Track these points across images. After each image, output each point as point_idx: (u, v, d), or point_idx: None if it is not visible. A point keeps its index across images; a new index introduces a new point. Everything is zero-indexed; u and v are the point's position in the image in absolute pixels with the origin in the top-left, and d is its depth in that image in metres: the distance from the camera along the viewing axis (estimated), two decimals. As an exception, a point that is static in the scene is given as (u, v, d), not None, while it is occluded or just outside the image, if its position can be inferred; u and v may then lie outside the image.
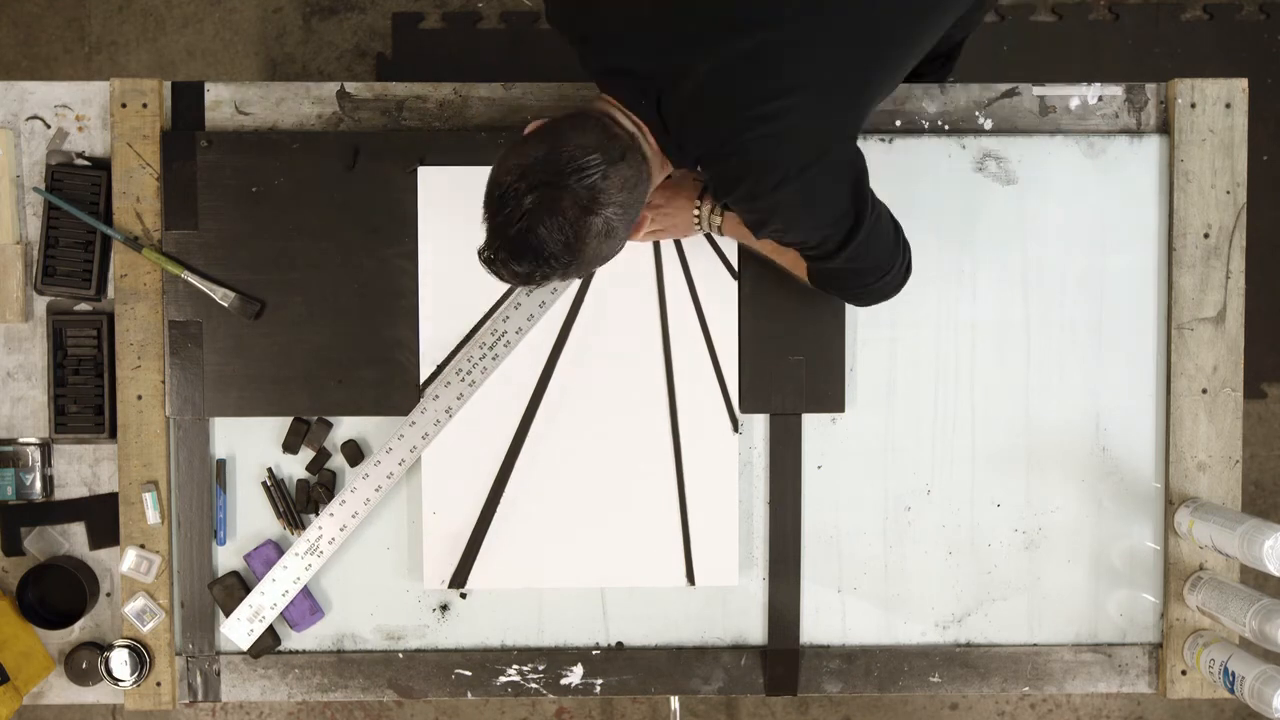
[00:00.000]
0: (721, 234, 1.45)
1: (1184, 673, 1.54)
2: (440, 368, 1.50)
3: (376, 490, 1.49)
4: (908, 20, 1.24)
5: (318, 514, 1.51)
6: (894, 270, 1.33)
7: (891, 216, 1.31)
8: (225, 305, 1.49)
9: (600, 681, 1.55)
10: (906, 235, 1.33)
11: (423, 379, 1.50)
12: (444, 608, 1.55)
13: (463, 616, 1.55)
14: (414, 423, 1.49)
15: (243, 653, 1.53)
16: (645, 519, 1.52)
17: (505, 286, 1.50)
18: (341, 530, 1.49)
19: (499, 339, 1.49)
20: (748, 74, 1.17)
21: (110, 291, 1.52)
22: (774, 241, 1.35)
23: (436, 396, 1.49)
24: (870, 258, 1.30)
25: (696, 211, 1.43)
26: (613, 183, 1.17)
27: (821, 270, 1.34)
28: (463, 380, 1.49)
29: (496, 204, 1.17)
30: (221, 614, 1.52)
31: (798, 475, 1.54)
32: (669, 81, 1.19)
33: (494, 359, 1.49)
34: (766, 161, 1.19)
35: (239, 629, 1.50)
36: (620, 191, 1.18)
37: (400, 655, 1.54)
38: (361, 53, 2.36)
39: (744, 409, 1.52)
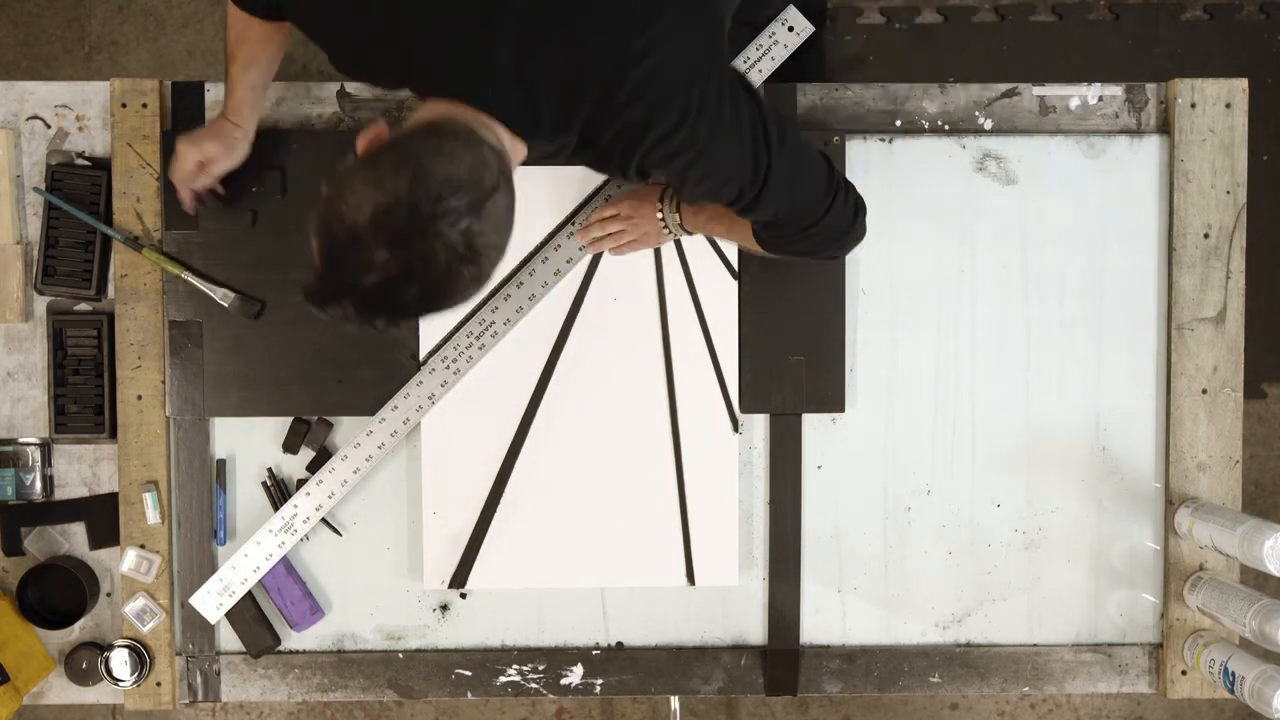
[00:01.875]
0: (685, 230, 1.45)
1: (1184, 673, 1.54)
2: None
3: (354, 473, 1.49)
4: None
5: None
6: (835, 208, 1.24)
7: (822, 153, 1.25)
8: (225, 305, 1.49)
9: (600, 681, 1.55)
10: (863, 197, 1.30)
11: (423, 379, 1.50)
12: (444, 608, 1.55)
13: (463, 616, 1.55)
14: (396, 406, 1.49)
15: (243, 653, 1.53)
16: (645, 519, 1.52)
17: (502, 278, 1.50)
18: (317, 510, 1.49)
19: (486, 329, 1.48)
20: (605, 20, 1.07)
21: (110, 291, 1.52)
22: (710, 207, 1.30)
23: (420, 383, 1.48)
24: (803, 194, 1.22)
25: (660, 215, 1.43)
26: (488, 223, 0.99)
27: (764, 228, 1.28)
28: (448, 368, 1.49)
29: (343, 248, 0.98)
30: (225, 619, 1.52)
31: (798, 475, 1.54)
32: (524, 57, 1.06)
33: (480, 349, 1.49)
34: (663, 94, 1.09)
35: (208, 602, 1.50)
36: (494, 232, 1.01)
37: (400, 655, 1.54)
38: (361, 53, 2.36)
39: (744, 409, 1.52)
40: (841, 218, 1.26)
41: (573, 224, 1.49)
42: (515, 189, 1.04)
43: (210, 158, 1.41)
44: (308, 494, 1.49)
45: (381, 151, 1.01)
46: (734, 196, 1.19)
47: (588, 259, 1.50)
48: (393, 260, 0.96)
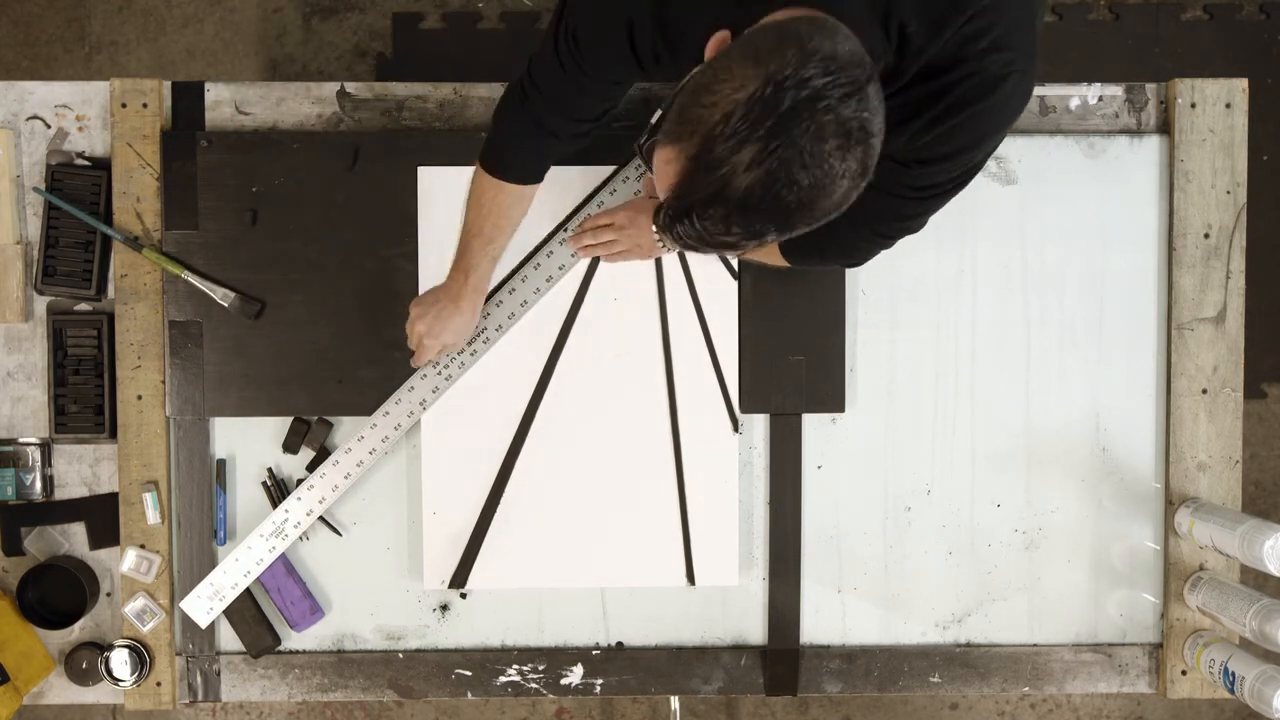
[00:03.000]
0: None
1: (1184, 673, 1.54)
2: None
3: (345, 478, 1.49)
4: None
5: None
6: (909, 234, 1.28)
7: None
8: (225, 305, 1.49)
9: (600, 681, 1.55)
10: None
11: (423, 379, 1.50)
12: (444, 608, 1.55)
13: (463, 616, 1.55)
14: (387, 412, 1.49)
15: (243, 653, 1.53)
16: (645, 519, 1.51)
17: (502, 278, 1.50)
18: (308, 515, 1.49)
19: (479, 335, 1.48)
20: None
21: (110, 291, 1.52)
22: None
23: (412, 388, 1.48)
24: (930, 213, 1.24)
25: (656, 229, 1.42)
26: (871, 105, 0.89)
27: (868, 226, 1.24)
28: (440, 374, 1.49)
29: (713, 139, 0.88)
30: (222, 614, 1.52)
31: (798, 475, 1.54)
32: None
33: (472, 355, 1.48)
34: (1013, 43, 1.04)
35: (199, 606, 1.50)
36: (876, 117, 0.90)
37: (400, 655, 1.54)
38: (361, 53, 2.36)
39: (744, 409, 1.52)
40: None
41: (565, 230, 1.49)
42: None
43: (448, 347, 1.44)
44: (299, 499, 1.49)
45: (754, 34, 0.91)
46: (951, 178, 1.16)
47: (585, 263, 1.50)
48: (780, 147, 0.86)
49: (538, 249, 1.50)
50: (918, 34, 1.02)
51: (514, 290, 1.49)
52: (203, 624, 1.50)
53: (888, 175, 1.14)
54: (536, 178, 1.35)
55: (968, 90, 1.06)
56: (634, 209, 1.45)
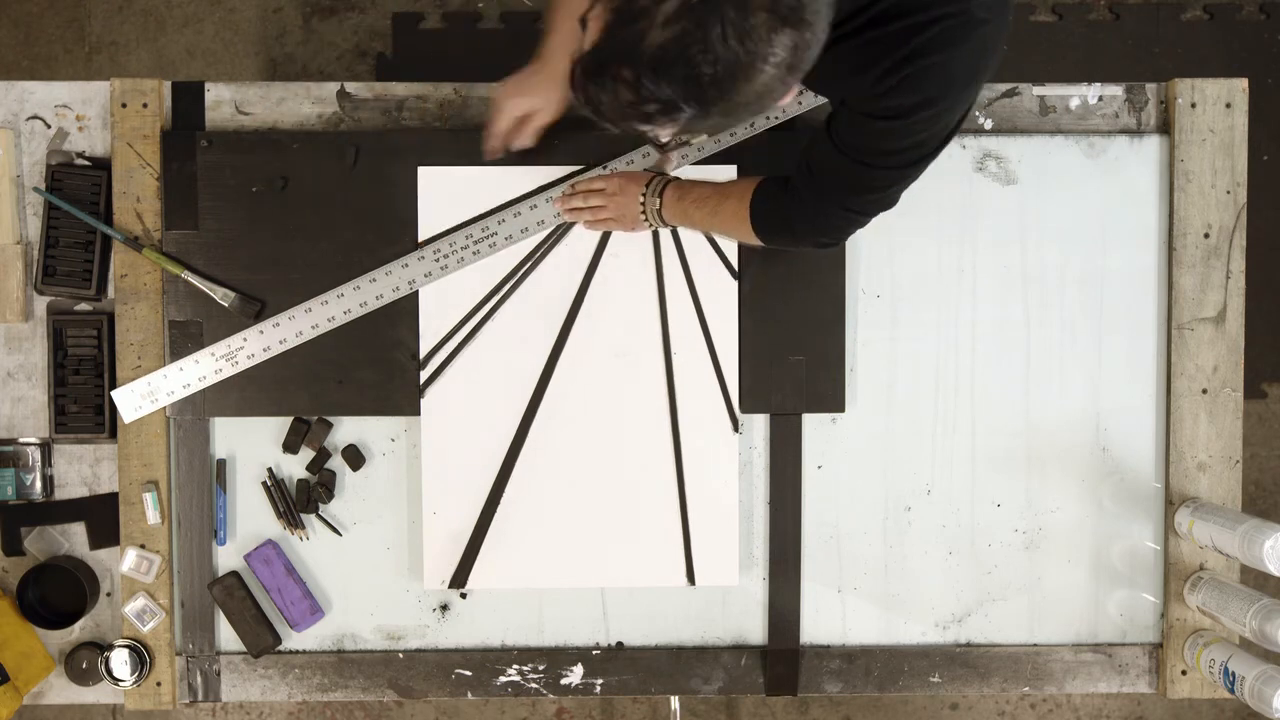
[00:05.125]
0: (662, 221, 1.45)
1: (1184, 673, 1.54)
2: (437, 362, 1.50)
3: (313, 328, 1.48)
4: None
5: (307, 506, 1.52)
6: (882, 212, 1.21)
7: None
8: (225, 305, 1.49)
9: (600, 681, 1.55)
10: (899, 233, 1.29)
11: (423, 379, 1.50)
12: (444, 608, 1.55)
13: (463, 616, 1.55)
14: (374, 279, 1.49)
15: (243, 653, 1.53)
16: (645, 519, 1.51)
17: (502, 278, 1.50)
18: (265, 350, 1.48)
19: (486, 236, 1.47)
20: None
21: (110, 291, 1.52)
22: (694, 194, 1.27)
23: (406, 265, 1.48)
24: (903, 186, 1.17)
25: (642, 199, 1.43)
26: (811, 3, 0.86)
27: (840, 193, 1.19)
28: (436, 262, 1.48)
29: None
30: (221, 614, 1.52)
31: (798, 475, 1.54)
32: None
33: (474, 255, 1.48)
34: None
35: (129, 401, 1.49)
36: (818, 13, 0.86)
37: (400, 655, 1.54)
38: (361, 53, 2.36)
39: (744, 409, 1.52)
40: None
41: (554, 190, 1.49)
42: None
43: (534, 110, 1.35)
44: (261, 332, 1.48)
45: None
46: (919, 142, 1.10)
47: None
48: (702, 2, 0.81)
49: (520, 199, 1.49)
50: None
51: (487, 229, 1.49)
52: (127, 418, 1.49)
53: (851, 137, 1.13)
54: None
55: (942, 32, 1.00)
56: (626, 177, 1.45)
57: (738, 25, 0.82)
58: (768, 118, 1.47)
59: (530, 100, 1.38)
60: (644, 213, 1.44)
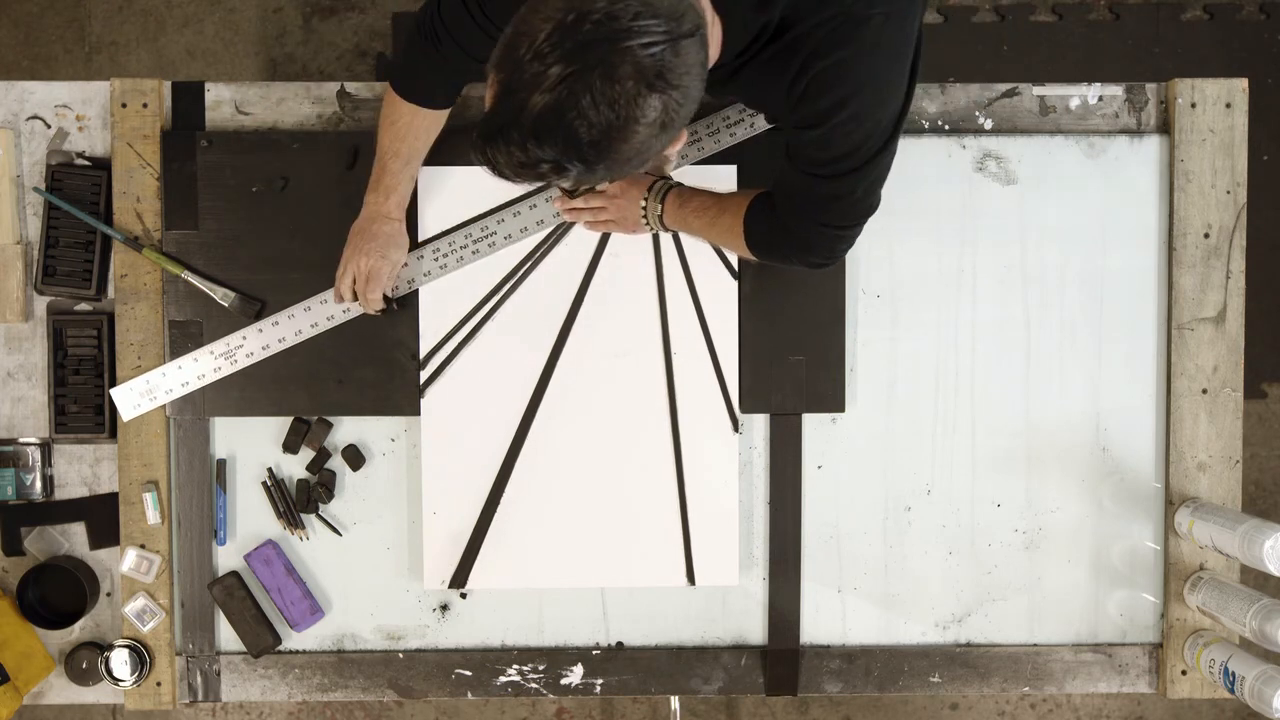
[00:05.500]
0: (663, 226, 1.45)
1: (1184, 673, 1.54)
2: (437, 362, 1.50)
3: (312, 326, 1.49)
4: None
5: (307, 506, 1.52)
6: (863, 221, 1.24)
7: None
8: (225, 305, 1.49)
9: (600, 681, 1.55)
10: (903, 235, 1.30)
11: (423, 379, 1.50)
12: (444, 608, 1.55)
13: (463, 616, 1.55)
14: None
15: (243, 653, 1.53)
16: (645, 519, 1.51)
17: (502, 278, 1.50)
18: (264, 349, 1.49)
19: (486, 236, 1.48)
20: None
21: (110, 291, 1.52)
22: (696, 201, 1.32)
23: (405, 265, 1.48)
24: (868, 190, 1.19)
25: (644, 204, 1.43)
26: (682, 60, 0.93)
27: (808, 208, 1.22)
28: (435, 261, 1.48)
29: (519, 63, 0.91)
30: (221, 614, 1.52)
31: (798, 475, 1.54)
32: None
33: (474, 254, 1.48)
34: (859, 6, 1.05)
35: (128, 399, 1.49)
36: (687, 76, 0.94)
37: (400, 655, 1.54)
38: (361, 53, 2.36)
39: (744, 409, 1.52)
40: (858, 230, 1.25)
41: (554, 190, 1.48)
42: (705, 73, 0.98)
43: (373, 270, 1.41)
44: (260, 330, 1.49)
45: None
46: (856, 145, 1.13)
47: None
48: (574, 74, 0.89)
49: (521, 199, 1.49)
50: None
51: (486, 229, 1.49)
52: (126, 416, 1.49)
53: (796, 153, 1.17)
54: (450, 104, 1.36)
55: (826, 35, 1.05)
56: (628, 180, 1.45)
57: (605, 94, 0.91)
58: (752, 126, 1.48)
59: (391, 257, 1.42)
60: (645, 216, 1.44)
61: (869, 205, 1.22)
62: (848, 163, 1.15)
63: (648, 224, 1.45)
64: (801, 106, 1.10)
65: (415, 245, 1.49)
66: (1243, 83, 1.53)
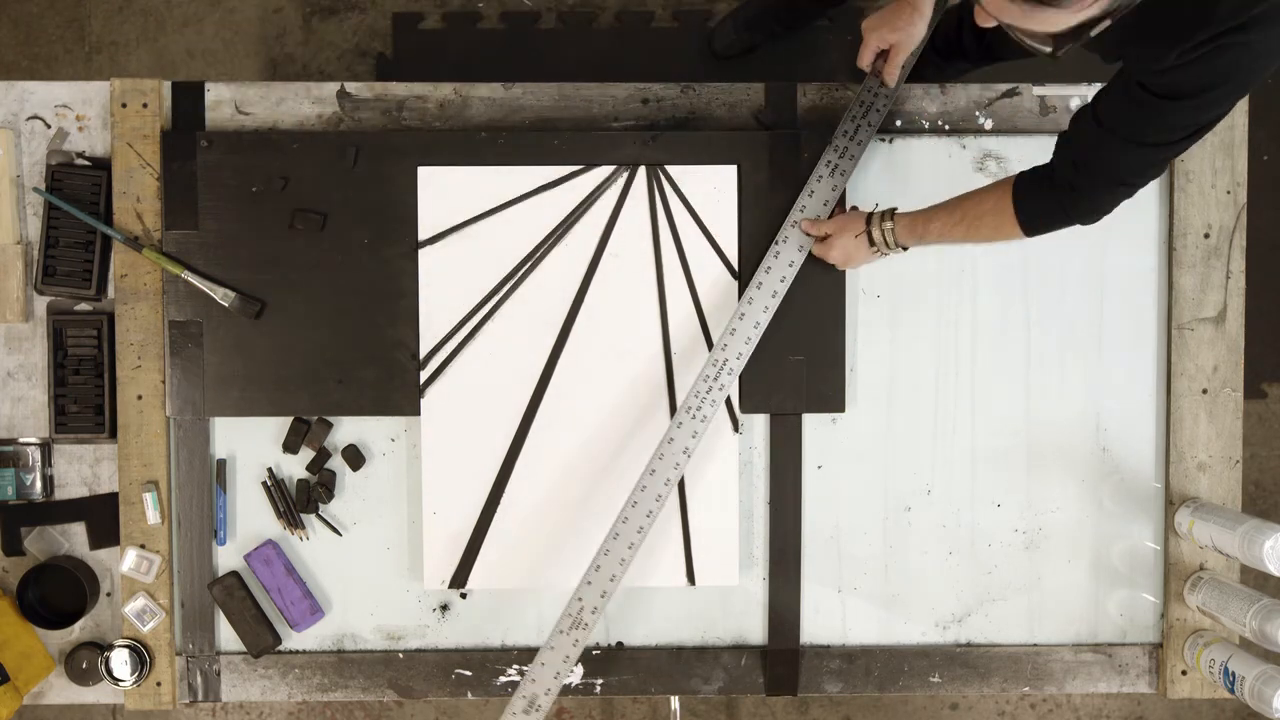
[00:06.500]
0: (899, 244, 1.43)
1: (1184, 673, 1.54)
2: (437, 362, 1.50)
3: (602, 596, 1.45)
4: None
5: (307, 506, 1.52)
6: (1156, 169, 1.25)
7: None
8: (225, 305, 1.49)
9: (600, 681, 1.55)
10: None
11: (423, 379, 1.50)
12: (444, 608, 1.55)
13: (463, 616, 1.55)
14: (644, 487, 1.47)
15: (243, 653, 1.53)
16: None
17: (502, 278, 1.50)
18: (556, 678, 1.47)
19: (721, 367, 1.47)
20: None
21: (110, 291, 1.52)
22: (944, 215, 1.33)
23: (680, 424, 1.50)
24: (1199, 129, 1.17)
25: (869, 232, 1.43)
26: None
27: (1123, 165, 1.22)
28: (699, 405, 1.50)
29: None
30: (221, 614, 1.52)
31: (798, 475, 1.54)
32: None
33: (720, 386, 1.51)
34: None
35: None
36: None
37: (400, 655, 1.54)
38: (361, 53, 2.36)
39: (744, 409, 1.52)
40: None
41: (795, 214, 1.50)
42: None
43: (895, 43, 1.47)
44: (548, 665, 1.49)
45: None
46: (1199, 125, 1.13)
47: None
48: None
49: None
50: None
51: (759, 284, 1.48)
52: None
53: (1132, 114, 1.15)
54: None
55: (1266, 13, 1.00)
56: (838, 223, 1.46)
57: None
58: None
59: (892, 33, 1.46)
60: (875, 246, 1.43)
61: (1161, 171, 1.23)
62: (1174, 132, 1.14)
63: (878, 251, 1.44)
64: (1178, 75, 1.07)
65: (416, 245, 1.49)
66: (1243, 83, 1.53)
